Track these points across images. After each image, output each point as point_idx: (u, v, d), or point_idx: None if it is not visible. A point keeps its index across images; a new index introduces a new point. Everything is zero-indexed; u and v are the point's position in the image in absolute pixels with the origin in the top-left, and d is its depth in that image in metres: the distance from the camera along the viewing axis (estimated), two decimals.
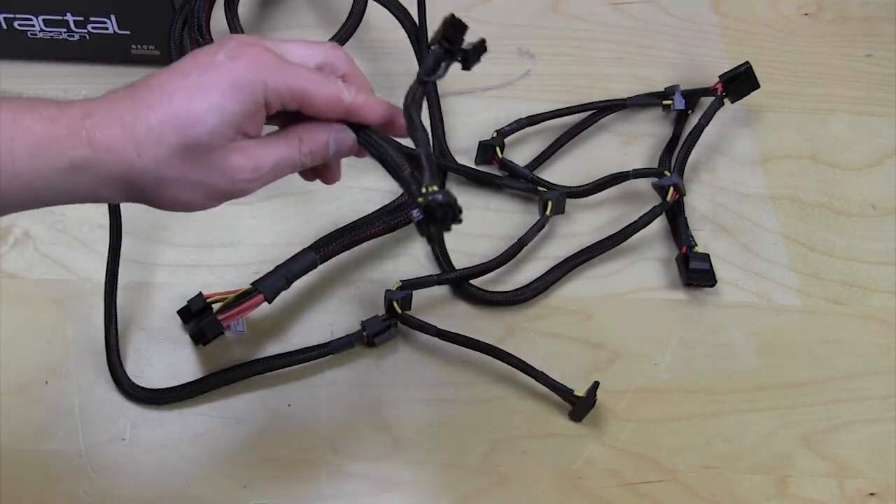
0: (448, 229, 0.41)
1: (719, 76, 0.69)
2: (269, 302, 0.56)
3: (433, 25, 0.68)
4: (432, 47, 0.45)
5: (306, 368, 0.59)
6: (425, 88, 0.45)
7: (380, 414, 0.58)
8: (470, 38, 0.45)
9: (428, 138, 0.44)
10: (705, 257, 0.64)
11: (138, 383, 0.57)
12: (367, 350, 0.60)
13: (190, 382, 0.58)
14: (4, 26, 0.67)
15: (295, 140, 0.44)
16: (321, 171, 0.48)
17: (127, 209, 0.64)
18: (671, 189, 0.64)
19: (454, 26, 0.45)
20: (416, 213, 0.41)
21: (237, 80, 0.41)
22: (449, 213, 0.40)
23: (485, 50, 0.46)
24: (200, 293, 0.58)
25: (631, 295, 0.64)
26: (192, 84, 0.40)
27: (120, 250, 0.59)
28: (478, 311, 0.62)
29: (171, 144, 0.40)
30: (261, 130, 0.43)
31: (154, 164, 0.40)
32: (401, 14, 0.68)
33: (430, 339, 0.60)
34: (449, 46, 0.45)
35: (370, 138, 0.45)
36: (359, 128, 0.45)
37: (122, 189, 0.41)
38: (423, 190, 0.41)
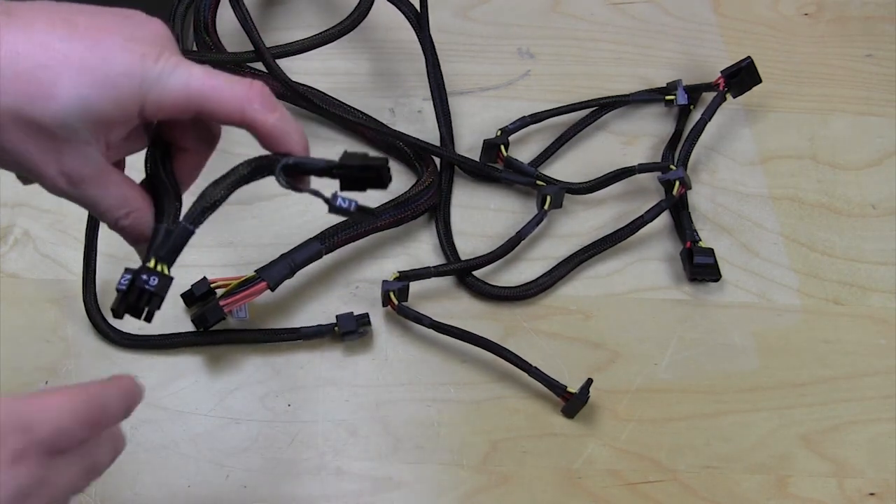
0: (137, 317, 0.37)
1: (721, 71, 0.70)
2: (273, 290, 0.57)
3: (434, 24, 0.69)
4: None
5: (306, 368, 0.59)
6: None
7: (379, 414, 0.58)
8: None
9: (176, 208, 0.39)
10: (710, 252, 0.64)
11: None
12: (368, 351, 0.60)
13: (165, 335, 0.58)
14: None
15: (125, 207, 0.38)
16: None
17: None
18: (677, 183, 0.64)
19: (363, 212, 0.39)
20: (123, 279, 0.37)
21: (118, 80, 0.34)
22: (143, 302, 0.37)
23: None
24: (205, 277, 0.58)
25: (631, 295, 0.64)
26: (70, 55, 0.33)
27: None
28: (478, 310, 0.62)
29: (10, 104, 0.33)
30: (122, 136, 0.37)
31: None
32: (407, 10, 0.68)
33: (429, 339, 0.60)
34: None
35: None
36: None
37: None
38: (146, 263, 0.37)
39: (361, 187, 0.38)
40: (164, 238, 0.38)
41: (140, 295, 0.37)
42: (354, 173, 0.38)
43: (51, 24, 0.34)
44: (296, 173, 0.38)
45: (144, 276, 0.37)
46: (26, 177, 0.38)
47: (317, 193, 0.38)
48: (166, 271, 0.37)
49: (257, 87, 0.37)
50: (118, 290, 0.37)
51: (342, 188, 0.38)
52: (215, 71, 0.37)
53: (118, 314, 0.37)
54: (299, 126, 0.39)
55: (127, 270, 0.37)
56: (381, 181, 0.38)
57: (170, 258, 0.38)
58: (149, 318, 0.37)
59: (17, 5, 0.34)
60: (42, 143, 0.34)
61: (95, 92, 0.34)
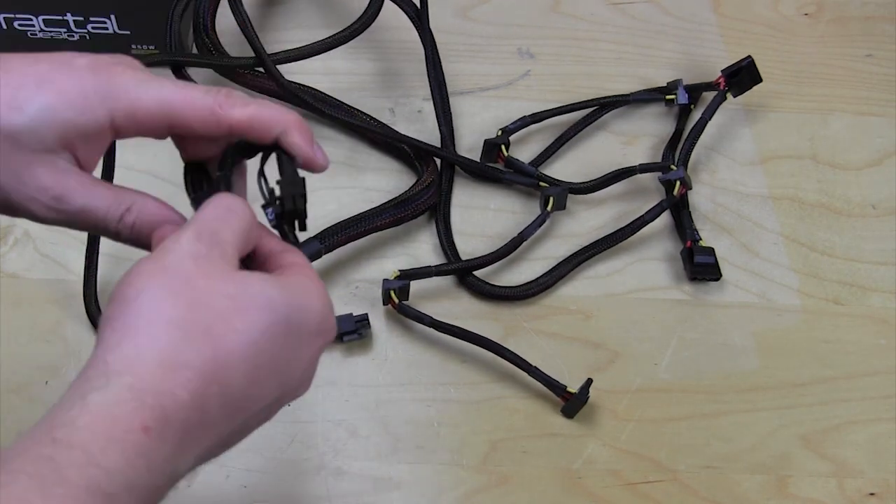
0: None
1: (721, 70, 0.70)
2: None
3: (435, 24, 0.69)
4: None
5: None
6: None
7: (379, 414, 0.58)
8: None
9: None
10: (710, 251, 0.64)
11: None
12: (367, 351, 0.60)
13: None
14: (4, 26, 0.67)
15: (122, 202, 0.38)
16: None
17: None
18: (678, 183, 0.64)
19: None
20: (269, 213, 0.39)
21: (83, 89, 0.35)
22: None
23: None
24: None
25: (631, 295, 0.64)
26: (36, 72, 0.36)
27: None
28: (478, 310, 0.62)
29: None
30: (96, 159, 0.38)
31: None
32: (409, 8, 0.68)
33: (429, 339, 0.60)
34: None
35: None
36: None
37: None
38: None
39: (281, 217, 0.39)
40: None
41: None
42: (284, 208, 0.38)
43: (19, 58, 0.36)
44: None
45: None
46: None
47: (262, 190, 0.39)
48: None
49: (224, 91, 0.38)
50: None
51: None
52: (187, 83, 0.38)
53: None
54: (284, 108, 0.38)
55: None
56: (290, 223, 0.39)
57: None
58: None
59: None
60: (15, 157, 0.35)
61: (61, 101, 0.35)
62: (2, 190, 0.36)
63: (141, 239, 0.39)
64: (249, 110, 0.37)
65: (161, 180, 0.65)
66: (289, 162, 0.39)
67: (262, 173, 0.39)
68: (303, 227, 0.39)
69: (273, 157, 0.39)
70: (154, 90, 0.37)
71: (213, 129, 0.37)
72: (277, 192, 0.38)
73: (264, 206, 0.39)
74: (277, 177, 0.39)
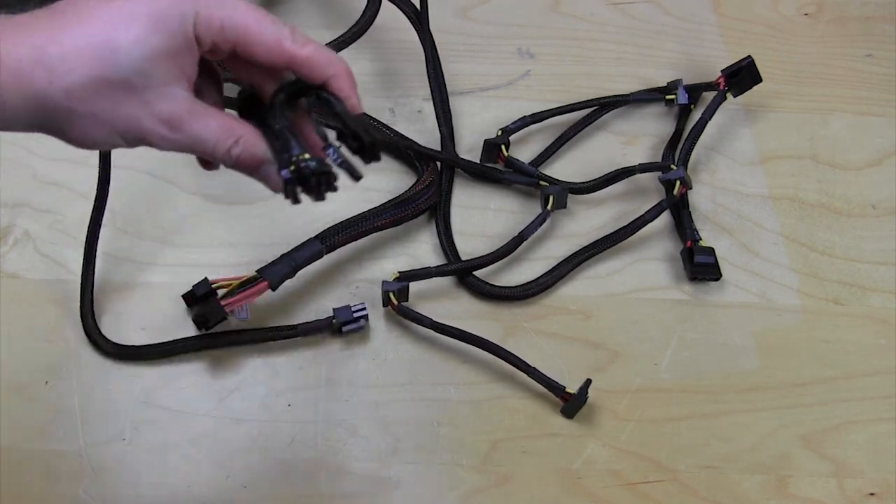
0: (322, 198, 0.41)
1: (721, 70, 0.70)
2: (273, 289, 0.57)
3: (434, 24, 0.69)
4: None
5: (306, 368, 0.59)
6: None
7: (379, 414, 0.58)
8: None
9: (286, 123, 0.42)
10: (710, 251, 0.64)
11: (136, 379, 0.57)
12: (367, 350, 0.60)
13: (159, 344, 0.58)
14: None
15: (231, 135, 0.40)
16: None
17: (125, 208, 0.64)
18: (678, 183, 0.64)
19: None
20: (285, 172, 0.40)
21: (164, 10, 0.37)
22: (322, 180, 0.40)
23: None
24: (206, 278, 0.58)
25: (631, 295, 0.64)
26: (116, 9, 0.37)
27: (106, 200, 0.59)
28: (478, 310, 0.62)
29: (86, 75, 0.36)
30: (195, 70, 0.40)
31: (65, 95, 0.36)
32: (408, 9, 0.68)
33: (429, 339, 0.60)
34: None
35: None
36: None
37: (31, 116, 0.37)
38: (295, 157, 0.40)
39: (356, 152, 0.42)
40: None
41: (313, 175, 0.40)
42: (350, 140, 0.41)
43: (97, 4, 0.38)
44: (322, 108, 0.42)
45: (304, 164, 0.40)
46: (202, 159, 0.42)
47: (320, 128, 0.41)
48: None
49: (290, 26, 0.41)
50: (286, 180, 0.40)
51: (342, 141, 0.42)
52: (259, 8, 0.40)
53: (297, 201, 0.41)
54: (335, 55, 0.42)
55: (283, 168, 0.40)
56: (371, 157, 0.41)
57: (304, 150, 0.41)
58: (332, 186, 0.41)
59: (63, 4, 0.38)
60: (129, 99, 0.37)
61: (149, 28, 0.37)
62: (129, 128, 0.38)
63: (241, 170, 0.42)
64: (311, 48, 0.40)
65: (160, 180, 0.65)
66: (339, 103, 0.41)
67: (311, 114, 0.41)
68: (376, 156, 0.41)
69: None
70: (229, 6, 0.39)
71: (276, 57, 0.40)
72: (333, 137, 0.40)
73: (324, 148, 0.41)
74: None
